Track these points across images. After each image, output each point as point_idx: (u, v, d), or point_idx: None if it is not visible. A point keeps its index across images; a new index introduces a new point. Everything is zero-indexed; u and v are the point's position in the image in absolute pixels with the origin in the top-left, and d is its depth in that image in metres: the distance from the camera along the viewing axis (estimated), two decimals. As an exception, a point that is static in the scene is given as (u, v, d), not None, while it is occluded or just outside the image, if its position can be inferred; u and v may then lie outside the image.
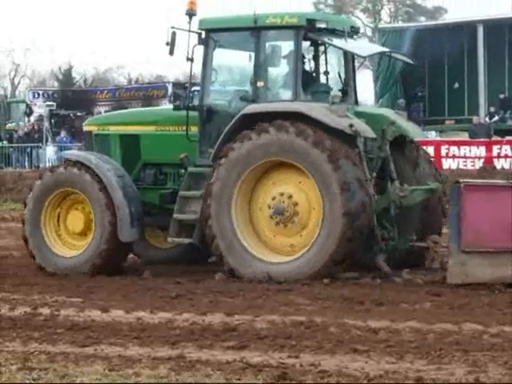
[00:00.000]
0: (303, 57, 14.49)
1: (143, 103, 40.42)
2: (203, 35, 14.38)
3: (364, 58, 15.11)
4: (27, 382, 7.88)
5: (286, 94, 14.25)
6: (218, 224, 13.54)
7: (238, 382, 7.80)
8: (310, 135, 13.15)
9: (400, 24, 52.41)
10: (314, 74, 14.94)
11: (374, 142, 13.92)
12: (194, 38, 14.38)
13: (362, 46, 15.19)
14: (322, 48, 14.90)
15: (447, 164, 32.03)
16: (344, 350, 8.91)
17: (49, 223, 14.86)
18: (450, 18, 57.09)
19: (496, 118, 34.54)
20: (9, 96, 62.62)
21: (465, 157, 32.20)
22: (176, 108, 14.91)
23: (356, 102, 14.97)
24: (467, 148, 32.44)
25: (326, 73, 15.03)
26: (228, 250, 13.52)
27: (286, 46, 14.28)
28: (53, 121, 43.07)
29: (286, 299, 11.84)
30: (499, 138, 33.31)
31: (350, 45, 14.51)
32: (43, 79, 68.93)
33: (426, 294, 12.01)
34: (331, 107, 13.62)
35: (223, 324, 10.23)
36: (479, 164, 31.31)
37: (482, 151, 31.97)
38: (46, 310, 11.24)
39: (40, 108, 42.84)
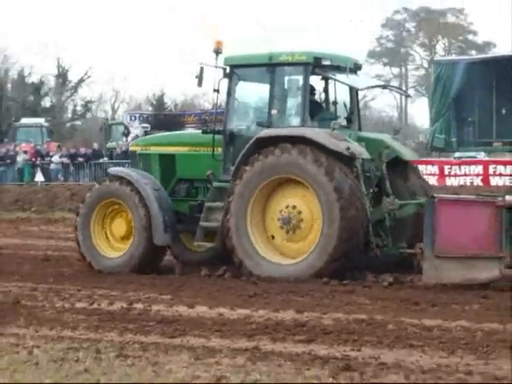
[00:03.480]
0: (312, 89, 14.82)
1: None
2: (227, 70, 14.74)
3: (359, 90, 15.47)
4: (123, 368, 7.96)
5: (296, 121, 14.45)
6: (236, 236, 13.89)
7: (307, 371, 7.77)
8: (308, 154, 13.48)
9: (453, 57, 51.97)
10: (322, 104, 15.24)
11: (371, 162, 14.24)
12: (220, 73, 14.76)
13: (360, 80, 15.43)
14: (330, 82, 15.17)
15: (494, 181, 31.71)
16: (401, 345, 8.85)
17: (97, 229, 15.14)
18: (498, 51, 56.62)
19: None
20: (109, 119, 63.30)
21: (510, 175, 31.84)
22: (204, 132, 15.22)
23: (359, 128, 15.20)
24: (512, 167, 32.10)
25: (334, 103, 15.34)
26: (245, 256, 13.82)
27: (296, 80, 14.56)
28: (147, 140, 43.38)
29: (349, 299, 11.78)
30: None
31: (350, 79, 14.81)
32: (139, 104, 69.56)
33: (474, 296, 11.87)
34: (332, 132, 13.90)
35: (294, 320, 10.20)
36: (524, 182, 30.94)
37: (526, 170, 31.60)
38: (139, 305, 11.31)
39: (136, 129, 43.18)
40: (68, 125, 67.92)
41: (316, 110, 14.68)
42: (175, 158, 15.49)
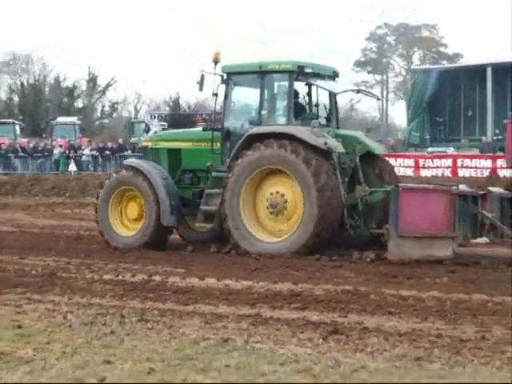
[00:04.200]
0: (297, 93, 14.84)
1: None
2: (225, 77, 14.79)
3: (337, 94, 15.47)
4: (144, 330, 7.98)
5: (282, 120, 14.51)
6: (231, 221, 13.92)
7: (301, 334, 7.78)
8: (288, 146, 13.60)
9: (427, 66, 51.81)
10: (305, 106, 15.25)
11: (346, 155, 14.27)
12: (218, 79, 14.78)
13: (337, 86, 15.46)
14: (312, 87, 15.21)
15: (462, 173, 31.74)
16: (381, 312, 8.85)
17: (113, 211, 15.14)
18: (465, 61, 56.46)
19: (499, 137, 34.13)
20: (132, 118, 63.21)
21: (475, 167, 31.84)
22: (204, 129, 15.29)
23: (338, 127, 15.24)
24: (477, 161, 32.10)
25: (315, 105, 15.35)
26: (240, 238, 13.85)
27: (283, 85, 14.62)
28: (165, 137, 43.33)
29: (337, 273, 11.78)
30: (502, 154, 32.94)
31: (329, 84, 14.97)
32: (158, 105, 69.41)
33: (444, 270, 11.86)
34: (313, 130, 14.00)
35: (290, 290, 10.20)
36: (486, 173, 30.94)
37: (488, 163, 31.59)
38: (158, 278, 11.30)
39: (155, 127, 43.02)
40: (97, 123, 67.87)
41: (300, 111, 14.74)
42: (181, 151, 15.52)
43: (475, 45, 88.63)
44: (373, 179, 14.48)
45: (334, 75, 15.18)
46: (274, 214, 13.89)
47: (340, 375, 6.31)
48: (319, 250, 13.43)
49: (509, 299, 9.55)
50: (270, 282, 10.85)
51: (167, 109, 63.42)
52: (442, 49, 76.65)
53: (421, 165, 32.47)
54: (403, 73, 76.14)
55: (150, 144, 16.34)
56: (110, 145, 40.99)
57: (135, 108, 71.87)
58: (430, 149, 35.46)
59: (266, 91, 14.67)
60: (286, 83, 14.42)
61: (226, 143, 14.72)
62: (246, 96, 15.44)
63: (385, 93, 78.32)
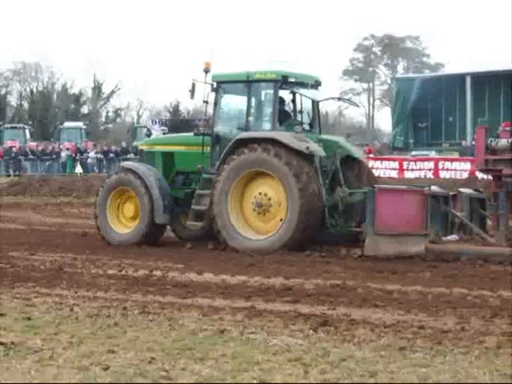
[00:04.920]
0: (282, 100, 14.85)
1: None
2: (214, 85, 14.79)
3: (319, 101, 15.55)
4: (145, 322, 7.97)
5: (267, 126, 14.53)
6: (220, 221, 13.93)
7: (292, 326, 7.78)
8: (271, 150, 13.64)
9: (411, 75, 51.85)
10: (289, 112, 15.21)
11: (327, 159, 14.29)
12: (208, 87, 14.79)
13: (319, 94, 15.49)
14: (297, 95, 15.17)
15: (443, 174, 31.77)
16: (368, 305, 8.86)
17: (111, 209, 15.16)
18: (446, 70, 56.51)
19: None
20: (135, 123, 63.16)
21: (455, 170, 31.88)
22: (196, 134, 15.27)
23: (320, 132, 15.28)
24: (457, 163, 32.14)
25: (299, 112, 15.30)
26: (228, 237, 13.86)
27: (268, 93, 14.66)
28: (165, 140, 43.27)
29: (326, 268, 11.76)
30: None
31: (311, 93, 14.95)
32: (159, 111, 69.37)
33: (426, 266, 11.87)
34: (296, 135, 14.01)
35: (282, 285, 10.20)
36: (466, 175, 30.97)
37: (467, 166, 31.61)
38: (158, 273, 11.28)
39: (156, 131, 43.00)
40: (102, 127, 67.83)
41: (284, 117, 14.74)
42: (174, 155, 15.55)
43: (456, 55, 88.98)
44: (352, 181, 14.48)
45: (316, 84, 15.18)
46: (260, 213, 13.90)
47: (329, 364, 6.32)
48: (303, 247, 13.44)
49: (486, 293, 9.59)
50: (263, 276, 10.85)
51: (168, 114, 63.38)
52: (424, 59, 76.70)
53: (405, 167, 32.50)
54: (388, 81, 76.12)
55: (145, 148, 16.37)
56: (113, 148, 41.02)
57: (138, 114, 71.92)
58: (413, 152, 35.50)
59: (252, 99, 14.70)
60: (271, 91, 14.47)
61: (216, 147, 14.73)
62: (235, 103, 15.48)
63: (371, 100, 78.44)
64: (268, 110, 14.65)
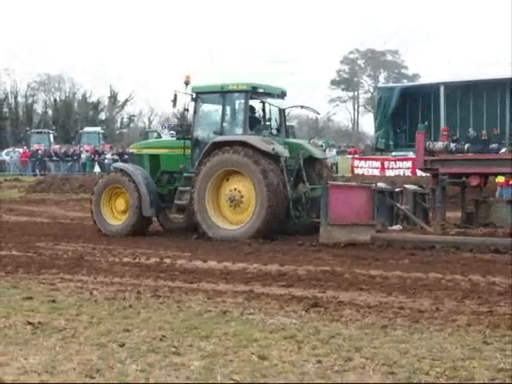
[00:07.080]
0: (253, 108, 15.05)
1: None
2: (194, 96, 15.00)
3: (284, 109, 15.76)
4: (157, 304, 7.97)
5: (239, 131, 14.69)
6: (199, 215, 14.13)
7: (287, 307, 7.79)
8: (241, 151, 13.87)
9: (391, 84, 51.76)
10: (259, 119, 15.36)
11: (292, 159, 14.52)
12: (188, 97, 14.98)
13: (284, 103, 15.74)
14: (265, 103, 15.35)
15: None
16: (354, 288, 8.88)
17: (105, 204, 15.35)
18: (422, 80, 56.48)
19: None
20: (147, 128, 63.08)
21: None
22: (178, 138, 15.67)
23: (287, 136, 15.63)
24: (432, 163, 32.04)
25: (268, 119, 15.48)
26: (207, 228, 14.05)
27: (240, 102, 14.85)
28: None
29: (317, 256, 11.78)
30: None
31: (276, 102, 15.26)
32: (168, 117, 69.25)
33: (405, 254, 11.88)
34: (263, 138, 14.24)
35: (278, 271, 10.22)
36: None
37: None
38: (168, 260, 11.30)
39: (166, 135, 42.85)
40: (117, 132, 67.67)
41: (254, 123, 14.94)
42: (159, 157, 15.77)
43: (430, 67, 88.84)
44: (314, 178, 14.75)
45: (282, 94, 15.47)
46: (233, 206, 14.09)
47: (319, 341, 6.33)
48: (271, 235, 13.69)
49: (458, 277, 9.60)
50: (261, 263, 10.87)
51: (176, 120, 63.27)
52: (403, 70, 76.74)
53: (386, 166, 32.47)
54: (371, 90, 76.03)
55: (135, 150, 16.64)
56: (128, 150, 40.90)
57: (149, 119, 71.77)
58: (393, 153, 35.49)
59: (226, 107, 14.94)
60: (243, 101, 14.71)
61: (196, 150, 14.98)
62: (211, 111, 15.68)
63: (356, 106, 78.56)
64: (240, 117, 14.87)
